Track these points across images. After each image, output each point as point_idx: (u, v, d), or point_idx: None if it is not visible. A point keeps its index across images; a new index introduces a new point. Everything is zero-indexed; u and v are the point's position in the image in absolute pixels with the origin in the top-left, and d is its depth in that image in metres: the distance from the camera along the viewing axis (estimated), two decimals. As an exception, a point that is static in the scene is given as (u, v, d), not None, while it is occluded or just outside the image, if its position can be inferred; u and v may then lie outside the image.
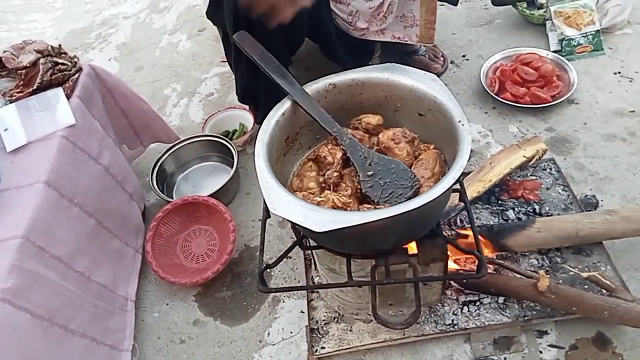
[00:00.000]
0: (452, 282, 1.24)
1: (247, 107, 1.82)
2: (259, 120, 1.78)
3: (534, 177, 1.46)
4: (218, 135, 1.73)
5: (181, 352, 1.33)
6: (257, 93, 1.68)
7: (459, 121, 0.96)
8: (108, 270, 1.32)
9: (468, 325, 1.19)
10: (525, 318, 1.19)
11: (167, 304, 1.44)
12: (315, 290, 1.33)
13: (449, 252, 1.05)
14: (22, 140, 1.24)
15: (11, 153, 1.23)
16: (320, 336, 1.24)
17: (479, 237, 1.02)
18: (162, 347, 1.35)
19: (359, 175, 1.00)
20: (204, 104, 2.04)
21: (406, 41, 1.60)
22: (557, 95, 1.69)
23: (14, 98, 1.32)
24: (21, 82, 1.34)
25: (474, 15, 2.17)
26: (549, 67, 1.73)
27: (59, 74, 1.36)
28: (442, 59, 1.92)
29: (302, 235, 1.12)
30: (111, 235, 1.37)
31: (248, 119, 1.82)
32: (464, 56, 1.99)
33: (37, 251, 1.08)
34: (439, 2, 1.56)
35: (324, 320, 1.27)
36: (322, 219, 0.83)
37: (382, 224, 0.84)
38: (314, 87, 1.08)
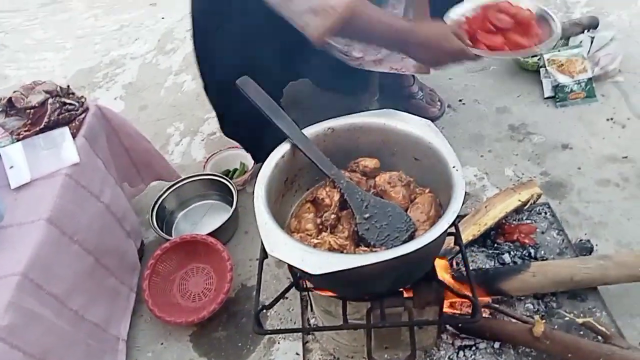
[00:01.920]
0: (447, 326, 1.24)
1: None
2: (257, 159, 1.82)
3: (529, 221, 1.48)
4: (218, 174, 1.76)
5: (174, 394, 1.32)
6: (244, 132, 1.72)
7: (453, 166, 0.99)
8: (102, 309, 1.32)
9: (464, 371, 1.18)
10: (522, 364, 1.18)
11: (162, 344, 1.43)
12: (311, 333, 1.32)
13: (444, 296, 1.05)
14: (27, 177, 1.27)
15: (15, 190, 1.26)
16: (315, 379, 1.23)
17: (474, 281, 1.03)
18: (155, 388, 1.34)
19: (355, 218, 1.01)
20: (205, 143, 2.08)
21: (404, 72, 1.64)
22: (538, 43, 1.37)
23: (21, 137, 1.36)
24: (29, 121, 1.38)
25: (470, 61, 2.23)
26: (526, 13, 1.40)
27: (66, 114, 1.40)
28: (439, 103, 1.97)
29: (298, 277, 1.13)
30: (108, 273, 1.38)
31: (249, 158, 1.86)
32: (460, 100, 2.04)
33: (34, 289, 1.09)
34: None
35: (319, 362, 1.26)
36: (318, 262, 0.85)
37: (378, 267, 0.85)
38: (312, 130, 1.12)
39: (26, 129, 1.37)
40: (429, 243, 0.87)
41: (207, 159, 1.88)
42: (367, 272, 0.89)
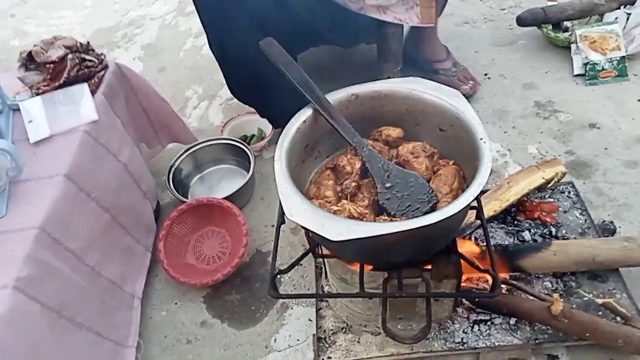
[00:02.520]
0: (463, 299, 1.22)
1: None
2: (274, 124, 1.79)
3: (551, 200, 1.44)
4: (236, 139, 1.74)
5: (187, 353, 1.33)
6: (248, 91, 1.70)
7: (481, 138, 0.96)
8: (117, 266, 1.33)
9: (478, 345, 1.17)
10: (537, 341, 1.16)
11: (176, 304, 1.44)
12: (324, 299, 1.32)
13: (462, 269, 1.04)
14: (46, 132, 1.26)
15: (34, 145, 1.25)
16: (328, 346, 1.23)
17: (494, 255, 1.01)
18: (169, 346, 1.35)
19: (376, 187, 0.99)
20: (223, 108, 2.06)
21: (407, 22, 1.58)
22: None
23: (40, 91, 1.35)
24: (48, 76, 1.36)
25: (498, 34, 2.16)
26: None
27: (86, 70, 1.38)
28: (471, 82, 1.89)
29: (315, 243, 1.12)
30: (124, 231, 1.38)
31: (266, 124, 1.83)
32: (485, 74, 1.98)
33: (52, 243, 1.09)
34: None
35: (331, 329, 1.26)
36: (338, 228, 0.83)
37: (398, 237, 0.84)
38: (336, 96, 1.09)
39: (45, 83, 1.36)
40: (453, 215, 0.85)
41: (225, 124, 1.86)
42: (387, 242, 0.88)
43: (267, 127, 1.83)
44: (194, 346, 1.34)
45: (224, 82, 2.14)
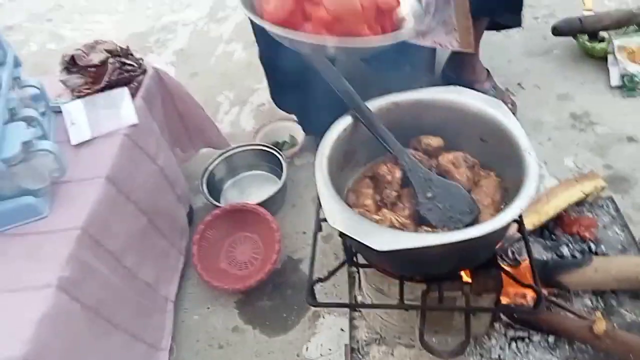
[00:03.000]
0: (502, 315, 1.20)
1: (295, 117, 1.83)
2: (307, 131, 1.79)
3: (590, 214, 1.41)
4: (269, 145, 1.75)
5: (218, 358, 1.33)
6: (289, 98, 1.69)
7: (526, 150, 0.95)
8: (152, 269, 1.34)
9: (515, 362, 1.15)
10: (576, 360, 1.14)
11: (208, 308, 1.45)
12: (358, 310, 1.31)
13: (503, 283, 1.02)
14: (87, 135, 1.28)
15: (75, 147, 1.27)
16: (361, 357, 1.22)
17: (537, 270, 0.99)
18: (200, 350, 1.36)
19: (417, 197, 0.98)
20: (255, 114, 2.07)
21: (447, 47, 1.57)
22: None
23: (82, 94, 1.37)
24: (90, 80, 1.39)
25: (531, 44, 2.14)
26: None
27: (126, 74, 1.41)
28: (510, 106, 1.81)
29: (352, 253, 1.12)
30: (159, 234, 1.40)
31: (298, 131, 1.84)
32: (519, 84, 1.96)
33: (93, 244, 1.11)
34: (502, 30, 1.54)
35: (365, 340, 1.25)
36: (383, 238, 0.82)
37: (443, 249, 0.82)
38: (376, 104, 1.08)
39: (87, 87, 1.39)
40: (499, 228, 0.83)
41: (257, 130, 1.87)
42: (431, 253, 0.87)
43: (299, 134, 1.83)
44: (225, 351, 1.34)
45: (255, 87, 2.18)
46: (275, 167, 1.73)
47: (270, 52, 1.61)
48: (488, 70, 1.90)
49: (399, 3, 0.95)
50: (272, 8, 0.88)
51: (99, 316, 1.08)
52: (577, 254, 1.30)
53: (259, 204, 1.52)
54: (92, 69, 1.39)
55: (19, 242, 1.06)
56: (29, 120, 1.19)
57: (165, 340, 1.30)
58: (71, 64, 1.43)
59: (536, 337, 1.17)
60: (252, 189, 1.74)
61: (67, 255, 1.02)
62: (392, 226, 0.94)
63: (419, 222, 0.98)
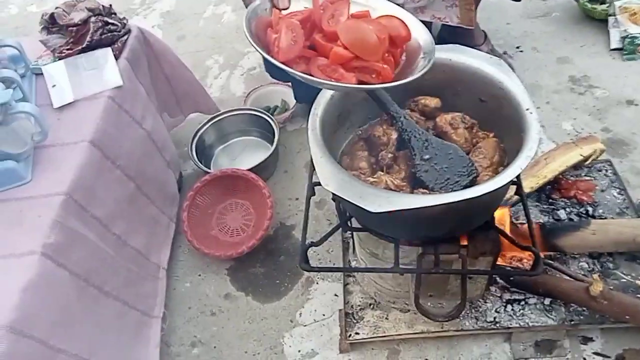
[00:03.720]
0: (497, 278, 1.19)
1: (289, 83, 1.78)
2: (298, 99, 1.74)
3: (588, 178, 1.39)
4: (260, 109, 1.70)
5: (211, 325, 1.32)
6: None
7: (527, 109, 0.91)
8: (142, 236, 1.31)
9: (511, 325, 1.14)
10: (572, 322, 1.13)
11: (199, 275, 1.43)
12: (351, 275, 1.30)
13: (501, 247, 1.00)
14: (70, 97, 1.23)
15: (58, 110, 1.22)
16: (355, 321, 1.21)
17: (535, 232, 0.97)
18: (193, 317, 1.34)
19: (414, 159, 0.95)
20: (245, 78, 2.01)
21: (447, 22, 1.53)
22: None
23: (63, 55, 1.31)
24: (71, 40, 1.33)
25: (530, 6, 2.07)
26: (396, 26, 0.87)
27: (109, 34, 1.34)
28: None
29: (346, 216, 1.09)
30: (148, 201, 1.36)
31: (290, 95, 1.78)
32: (517, 47, 1.91)
33: (78, 210, 1.07)
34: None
35: (359, 305, 1.24)
36: (378, 200, 0.80)
37: (439, 211, 0.80)
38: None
39: (68, 47, 1.32)
40: (497, 189, 0.81)
41: (248, 94, 1.82)
42: (426, 215, 0.85)
43: (291, 99, 1.78)
44: (218, 318, 1.33)
45: (245, 51, 2.11)
46: (266, 132, 1.69)
47: None
48: (485, 33, 1.85)
49: (409, 34, 0.89)
50: (285, 47, 0.83)
51: (88, 284, 1.05)
52: (575, 217, 1.29)
53: (250, 170, 1.48)
54: (73, 28, 1.33)
55: (1, 209, 1.02)
56: (6, 82, 1.13)
57: (157, 307, 1.28)
58: (51, 23, 1.36)
59: (532, 300, 1.17)
60: (243, 155, 1.70)
61: (51, 222, 0.99)
62: (388, 188, 0.91)
63: (415, 184, 0.95)
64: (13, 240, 0.96)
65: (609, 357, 1.12)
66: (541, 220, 1.29)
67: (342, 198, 0.83)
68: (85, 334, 1.01)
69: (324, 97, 1.00)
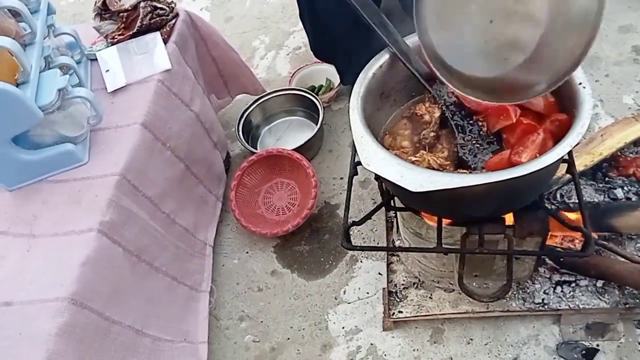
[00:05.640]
0: (546, 259, 1.15)
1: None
2: (344, 81, 1.72)
3: (649, 155, 1.31)
4: (305, 89, 1.70)
5: (258, 300, 1.36)
6: (330, 50, 1.63)
7: (580, 83, 0.86)
8: (190, 215, 1.36)
9: (560, 307, 1.11)
10: (627, 306, 1.09)
11: (247, 252, 1.47)
12: (395, 254, 1.29)
13: (549, 227, 0.96)
14: (122, 81, 1.28)
15: (111, 94, 1.28)
16: (398, 300, 1.22)
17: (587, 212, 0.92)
18: (241, 292, 1.39)
19: (456, 138, 0.93)
20: (291, 57, 2.01)
21: None
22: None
23: (115, 40, 1.36)
24: (122, 25, 1.37)
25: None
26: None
27: (157, 19, 1.38)
28: None
29: (389, 196, 1.08)
30: (197, 181, 1.41)
31: (335, 74, 1.77)
32: (575, 17, 1.80)
33: (131, 189, 1.13)
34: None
35: (402, 284, 1.24)
36: (419, 179, 0.79)
37: (482, 190, 0.78)
38: (415, 39, 1.01)
39: (120, 32, 1.37)
40: (544, 167, 0.78)
41: (293, 74, 1.83)
42: (470, 195, 0.83)
43: (336, 78, 1.77)
44: (264, 294, 1.37)
45: (291, 30, 2.11)
46: (312, 112, 1.69)
47: (312, 5, 1.54)
48: None
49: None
50: None
51: (140, 259, 1.12)
52: (632, 197, 1.22)
53: (295, 150, 1.50)
54: (124, 14, 1.37)
55: (60, 189, 1.09)
56: (64, 68, 1.19)
57: (205, 283, 1.33)
58: (104, 10, 1.41)
59: (583, 282, 1.13)
60: (289, 135, 1.71)
61: (107, 201, 1.04)
62: (430, 168, 0.90)
63: (458, 164, 0.93)
64: (73, 218, 1.02)
65: (666, 342, 1.07)
66: (596, 199, 1.23)
67: (383, 178, 0.82)
68: (138, 306, 1.07)
69: (366, 75, 0.99)
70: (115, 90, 1.27)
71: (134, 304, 1.05)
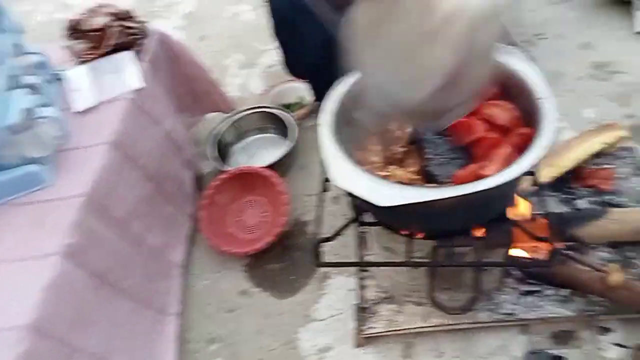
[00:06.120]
0: (512, 270, 1.18)
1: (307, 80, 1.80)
2: (316, 98, 1.75)
3: (609, 166, 1.35)
4: (277, 107, 1.71)
5: (229, 321, 1.35)
6: (305, 66, 1.65)
7: (543, 98, 0.90)
8: (160, 235, 1.34)
9: (527, 316, 1.13)
10: (590, 313, 1.11)
11: (218, 272, 1.45)
12: (367, 269, 1.30)
13: (516, 238, 0.99)
14: (91, 101, 1.27)
15: (80, 113, 1.26)
16: (370, 316, 1.22)
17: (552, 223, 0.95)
18: (211, 314, 1.37)
19: (426, 153, 0.95)
20: (264, 75, 2.03)
21: None
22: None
23: (86, 59, 1.36)
24: (93, 45, 1.37)
25: (553, -9, 2.03)
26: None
27: (129, 38, 1.38)
28: None
29: (360, 211, 1.10)
30: (167, 200, 1.40)
31: (307, 92, 1.80)
32: (540, 35, 1.87)
33: (99, 210, 1.11)
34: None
35: (374, 300, 1.24)
36: (389, 194, 0.80)
37: (451, 203, 0.80)
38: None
39: (90, 52, 1.37)
40: (509, 180, 0.80)
41: (266, 92, 1.84)
42: (439, 208, 0.85)
43: (308, 95, 1.79)
44: (235, 314, 1.36)
45: (264, 49, 2.13)
46: (284, 129, 1.70)
47: (287, 21, 1.56)
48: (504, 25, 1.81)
49: None
50: None
51: (106, 282, 1.09)
52: (594, 207, 1.26)
53: (268, 167, 1.50)
54: (95, 33, 1.37)
55: (24, 211, 1.07)
56: (31, 88, 1.18)
57: (173, 305, 1.31)
58: (74, 30, 1.41)
59: (549, 291, 1.15)
60: (261, 152, 1.72)
61: (72, 223, 1.02)
62: (400, 182, 0.92)
63: (428, 178, 0.95)
64: (36, 241, 1.00)
65: (628, 347, 1.10)
66: (560, 210, 1.27)
67: (353, 194, 0.84)
68: (102, 331, 1.04)
69: (337, 92, 1.01)
70: (84, 109, 1.26)
71: (98, 328, 1.03)
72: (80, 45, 1.40)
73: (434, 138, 0.98)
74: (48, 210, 1.05)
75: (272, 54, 2.09)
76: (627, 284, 1.03)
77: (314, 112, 1.79)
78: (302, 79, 1.77)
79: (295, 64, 1.70)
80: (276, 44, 1.68)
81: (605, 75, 1.68)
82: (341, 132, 1.01)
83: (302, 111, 1.76)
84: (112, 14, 1.39)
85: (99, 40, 1.38)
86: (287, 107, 1.80)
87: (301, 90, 1.82)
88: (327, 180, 1.09)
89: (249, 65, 2.09)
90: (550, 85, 1.69)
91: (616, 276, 1.02)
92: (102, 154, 1.16)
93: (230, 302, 1.38)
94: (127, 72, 1.33)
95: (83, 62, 1.36)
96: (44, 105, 1.19)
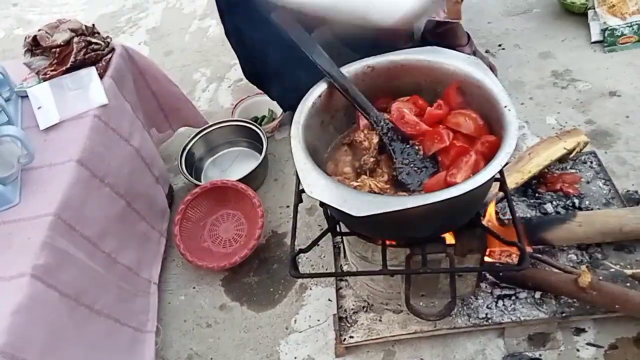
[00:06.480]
0: (487, 274, 1.20)
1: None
2: (284, 107, 1.75)
3: (573, 171, 1.40)
4: (247, 120, 1.71)
5: (207, 336, 1.32)
6: (262, 75, 1.65)
7: (505, 106, 0.92)
8: (133, 253, 1.31)
9: (503, 320, 1.15)
10: (563, 315, 1.14)
11: (194, 288, 1.43)
12: (344, 279, 1.30)
13: (487, 243, 1.01)
14: (55, 118, 1.24)
15: (44, 131, 1.23)
16: (349, 325, 1.22)
17: (521, 227, 0.98)
18: (189, 330, 1.34)
19: (395, 162, 0.96)
20: (233, 89, 2.02)
21: (434, 17, 1.55)
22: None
23: (47, 76, 1.32)
24: (55, 61, 1.34)
25: (510, 3, 2.10)
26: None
27: (92, 54, 1.36)
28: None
29: (334, 221, 1.10)
30: (139, 217, 1.37)
31: (277, 105, 1.80)
32: (499, 45, 1.93)
33: (67, 230, 1.08)
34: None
35: (352, 309, 1.25)
36: (361, 204, 0.81)
37: (422, 211, 0.81)
38: (351, 69, 1.05)
39: (52, 68, 1.34)
40: (478, 186, 0.82)
41: (235, 105, 1.83)
42: (411, 216, 0.85)
43: (278, 108, 1.79)
44: (214, 330, 1.33)
45: (232, 63, 2.13)
46: (255, 142, 1.70)
47: (238, 29, 1.56)
48: (469, 35, 1.86)
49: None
50: None
51: (79, 303, 1.06)
52: (561, 210, 1.30)
53: (240, 180, 1.49)
54: (57, 50, 1.34)
55: (-11, 232, 1.02)
56: (-9, 106, 1.15)
57: (150, 322, 1.28)
58: (34, 46, 1.38)
59: (523, 294, 1.17)
60: (233, 166, 1.71)
61: (40, 243, 0.99)
62: (372, 192, 0.92)
63: (398, 186, 0.96)
64: (3, 263, 0.96)
65: (601, 346, 1.13)
66: (528, 215, 1.30)
67: (328, 205, 0.84)
68: (77, 354, 1.01)
69: (306, 105, 1.01)
70: (48, 127, 1.23)
71: (73, 352, 0.99)
72: (42, 61, 1.37)
73: (403, 147, 0.99)
74: (15, 230, 1.02)
75: (239, 68, 2.09)
76: (596, 284, 1.06)
77: (283, 124, 1.79)
78: (258, 87, 1.76)
79: (252, 71, 1.69)
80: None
81: (565, 83, 1.74)
82: (313, 144, 1.02)
83: (271, 124, 1.76)
84: (74, 30, 1.36)
85: (61, 56, 1.35)
86: (257, 120, 1.80)
87: (270, 103, 1.82)
88: (301, 191, 1.09)
89: (217, 80, 2.09)
90: (513, 94, 1.77)
91: (585, 277, 1.05)
92: (69, 172, 1.13)
93: (208, 318, 1.36)
94: (91, 89, 1.30)
95: (45, 79, 1.33)
96: (6, 124, 1.16)
